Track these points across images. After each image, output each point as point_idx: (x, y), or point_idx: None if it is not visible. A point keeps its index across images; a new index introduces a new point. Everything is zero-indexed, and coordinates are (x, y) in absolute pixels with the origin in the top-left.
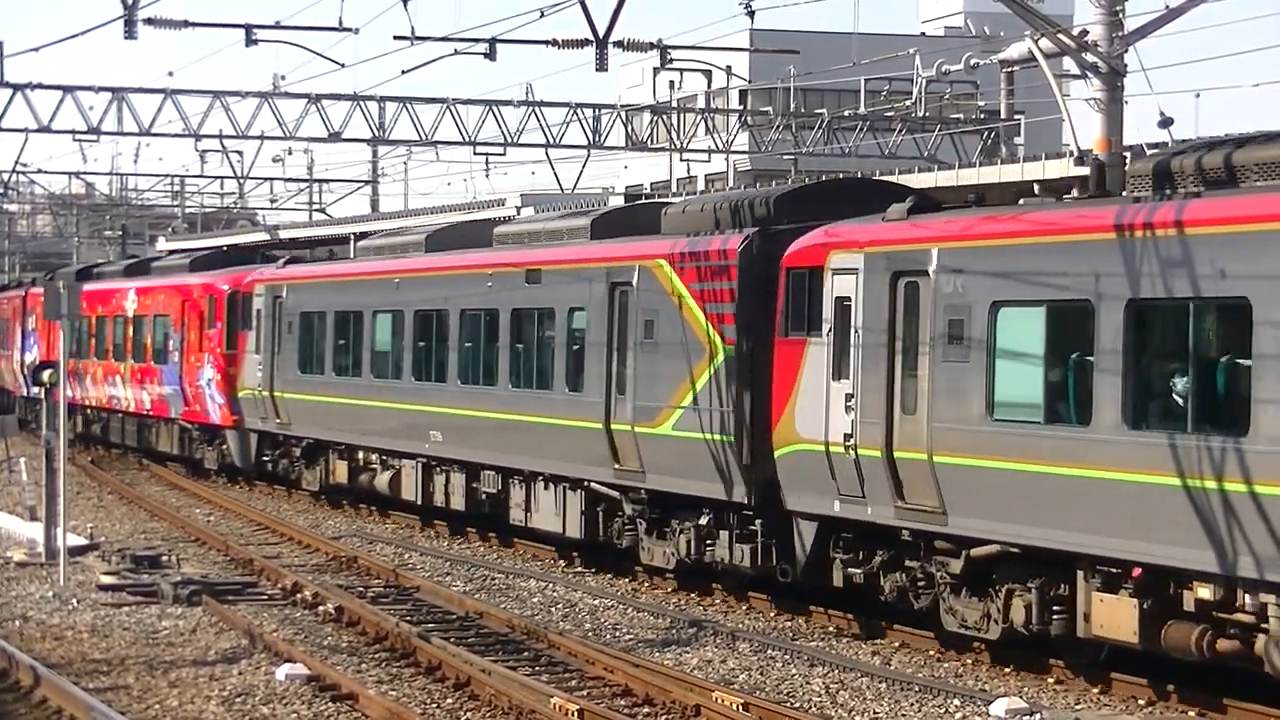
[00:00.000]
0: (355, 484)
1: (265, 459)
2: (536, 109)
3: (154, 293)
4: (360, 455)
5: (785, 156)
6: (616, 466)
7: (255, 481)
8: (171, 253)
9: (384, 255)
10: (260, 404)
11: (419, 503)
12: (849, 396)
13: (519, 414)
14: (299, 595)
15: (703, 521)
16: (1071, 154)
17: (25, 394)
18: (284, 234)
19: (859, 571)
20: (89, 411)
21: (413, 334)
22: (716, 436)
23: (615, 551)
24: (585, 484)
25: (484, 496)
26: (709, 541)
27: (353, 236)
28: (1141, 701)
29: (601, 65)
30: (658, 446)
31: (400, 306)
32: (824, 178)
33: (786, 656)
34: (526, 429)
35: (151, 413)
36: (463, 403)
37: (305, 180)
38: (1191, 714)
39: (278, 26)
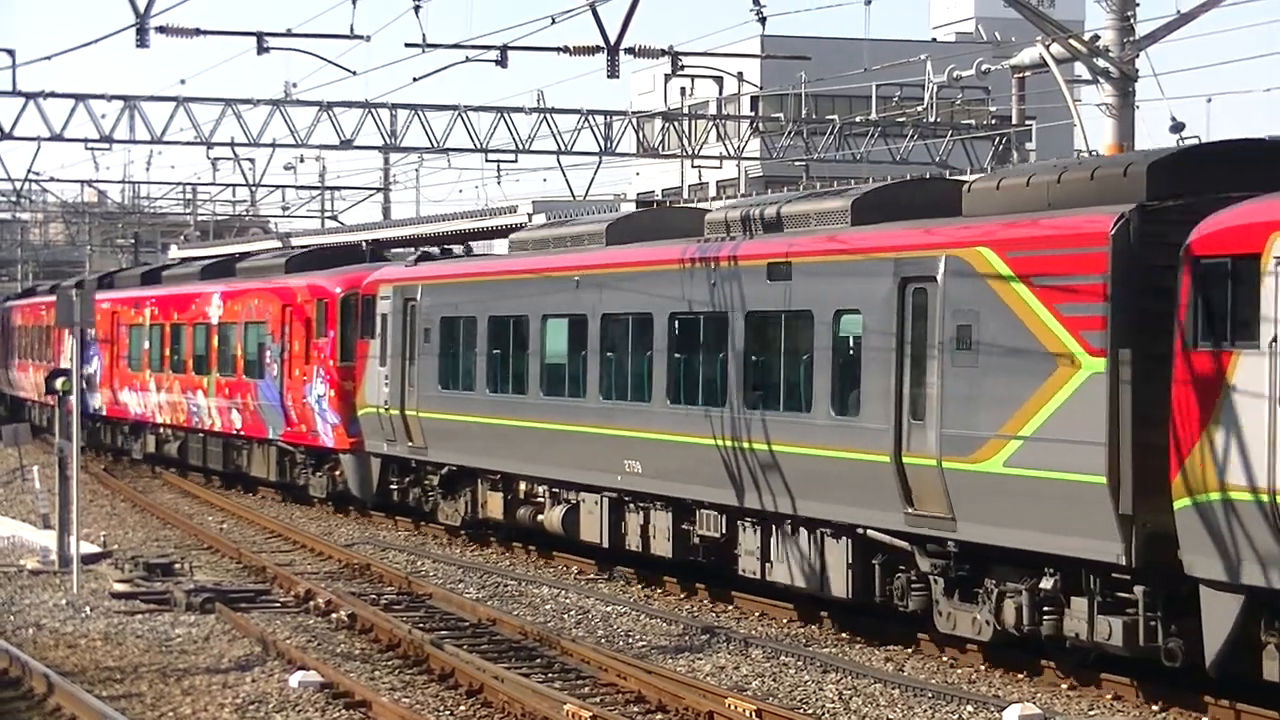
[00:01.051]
0: (512, 519)
1: (391, 487)
2: (548, 116)
3: (244, 297)
4: (521, 486)
5: (797, 162)
6: (910, 511)
7: (372, 512)
8: (246, 254)
9: (550, 249)
10: (387, 424)
11: (604, 545)
12: None
13: (754, 442)
14: (312, 602)
15: (1046, 585)
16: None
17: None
18: (298, 240)
19: None
20: (162, 430)
21: (599, 343)
22: (1079, 476)
23: (890, 613)
24: (857, 531)
25: (698, 541)
26: (1049, 609)
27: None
28: (1155, 708)
29: (613, 72)
30: (978, 486)
31: (581, 310)
32: (835, 184)
33: (799, 663)
34: (767, 461)
35: (242, 432)
36: (671, 426)
37: (317, 188)
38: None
39: (289, 34)
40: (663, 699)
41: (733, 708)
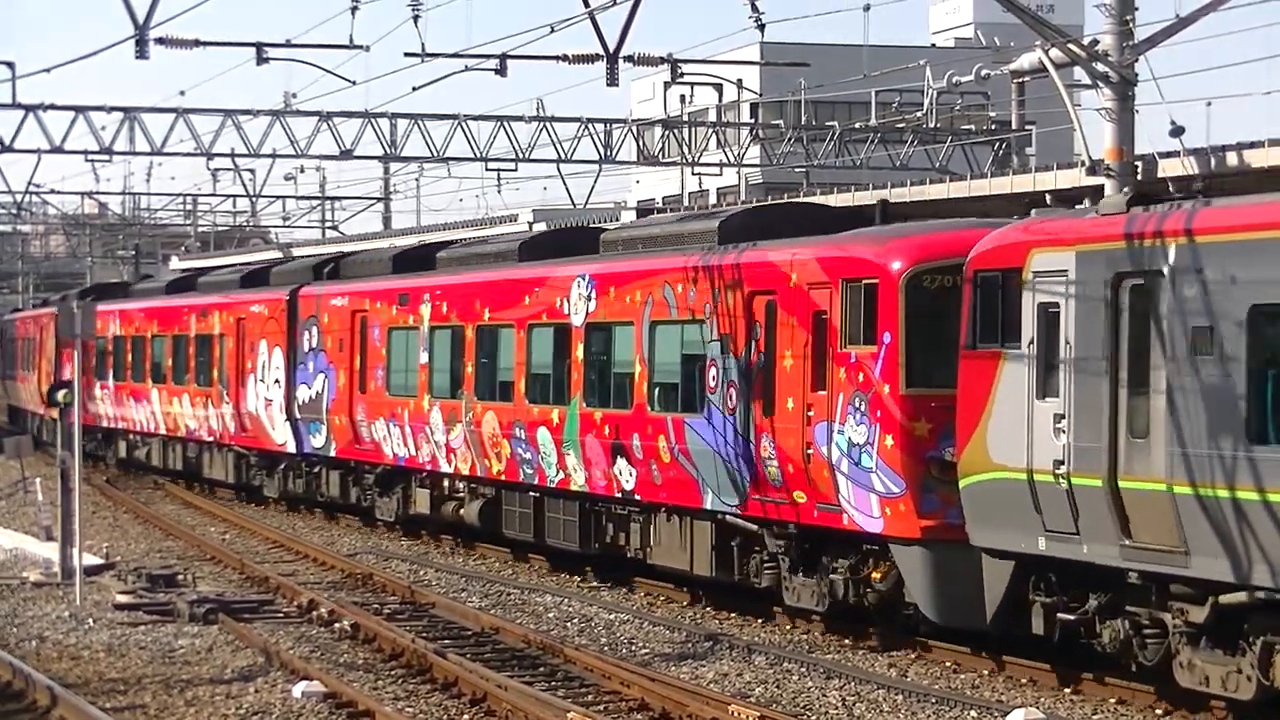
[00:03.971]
0: None
1: (1036, 610)
2: (548, 124)
3: (641, 282)
4: None
5: (797, 169)
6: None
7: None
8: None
9: None
10: (1056, 501)
11: None
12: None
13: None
14: (315, 613)
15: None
16: (1083, 164)
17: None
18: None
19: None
20: (456, 484)
21: None
22: None
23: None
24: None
25: None
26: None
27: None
28: (1159, 712)
29: (612, 80)
30: None
31: None
32: (835, 190)
33: (803, 669)
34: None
35: (636, 494)
36: None
37: (317, 198)
38: None
39: (289, 45)
40: (666, 706)
41: (736, 714)
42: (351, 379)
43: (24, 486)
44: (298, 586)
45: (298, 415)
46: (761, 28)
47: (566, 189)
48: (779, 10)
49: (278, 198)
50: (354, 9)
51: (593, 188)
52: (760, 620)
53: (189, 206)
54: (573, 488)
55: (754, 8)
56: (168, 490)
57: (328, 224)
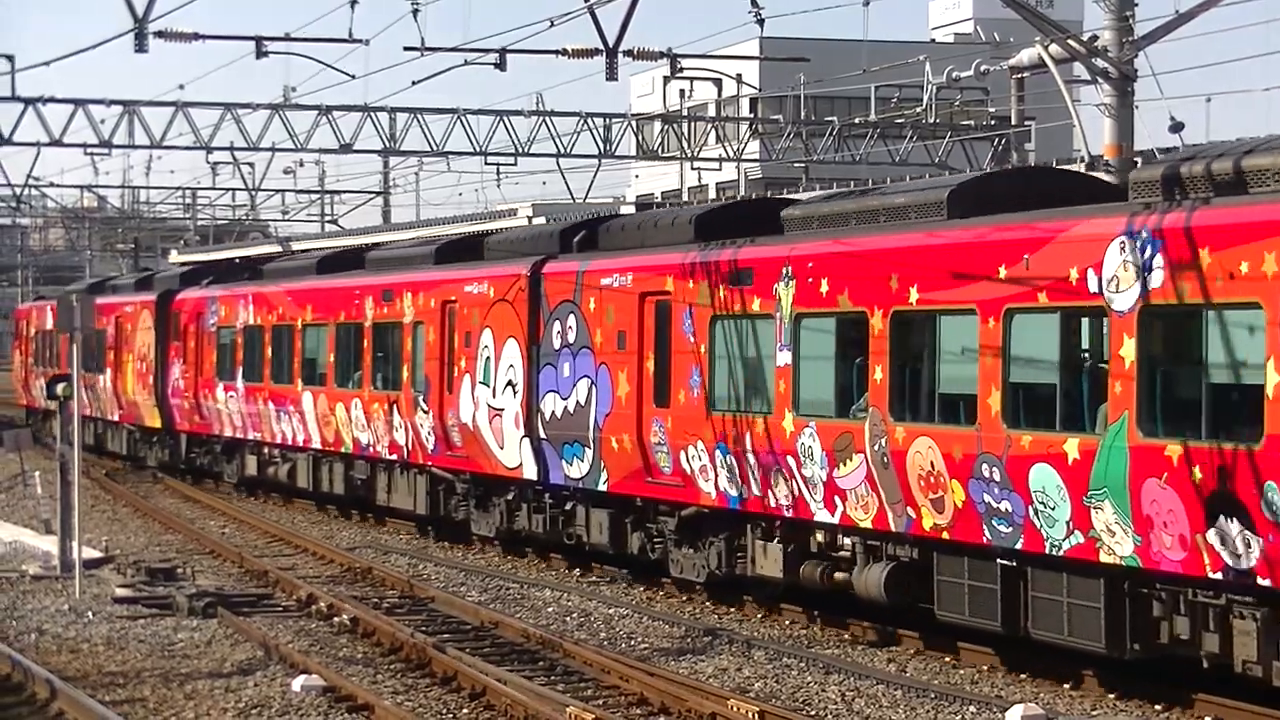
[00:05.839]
0: None
1: None
2: (547, 119)
3: None
4: None
5: (796, 164)
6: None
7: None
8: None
9: None
10: None
11: None
12: None
13: None
14: (314, 606)
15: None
16: (1083, 159)
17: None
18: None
19: None
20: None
21: None
22: None
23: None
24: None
25: None
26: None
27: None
28: (1159, 707)
29: (612, 74)
30: None
31: None
32: (835, 185)
33: (802, 664)
34: None
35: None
36: None
37: (317, 192)
38: (1208, 719)
39: (288, 39)
40: (665, 701)
41: (735, 709)
42: (641, 386)
43: (23, 480)
44: (297, 580)
45: (543, 433)
46: (761, 23)
47: (566, 183)
48: (779, 5)
49: (277, 191)
50: (353, 3)
51: (592, 182)
52: (760, 615)
53: (188, 200)
54: (1103, 560)
55: (754, 3)
56: (167, 484)
57: (327, 218)
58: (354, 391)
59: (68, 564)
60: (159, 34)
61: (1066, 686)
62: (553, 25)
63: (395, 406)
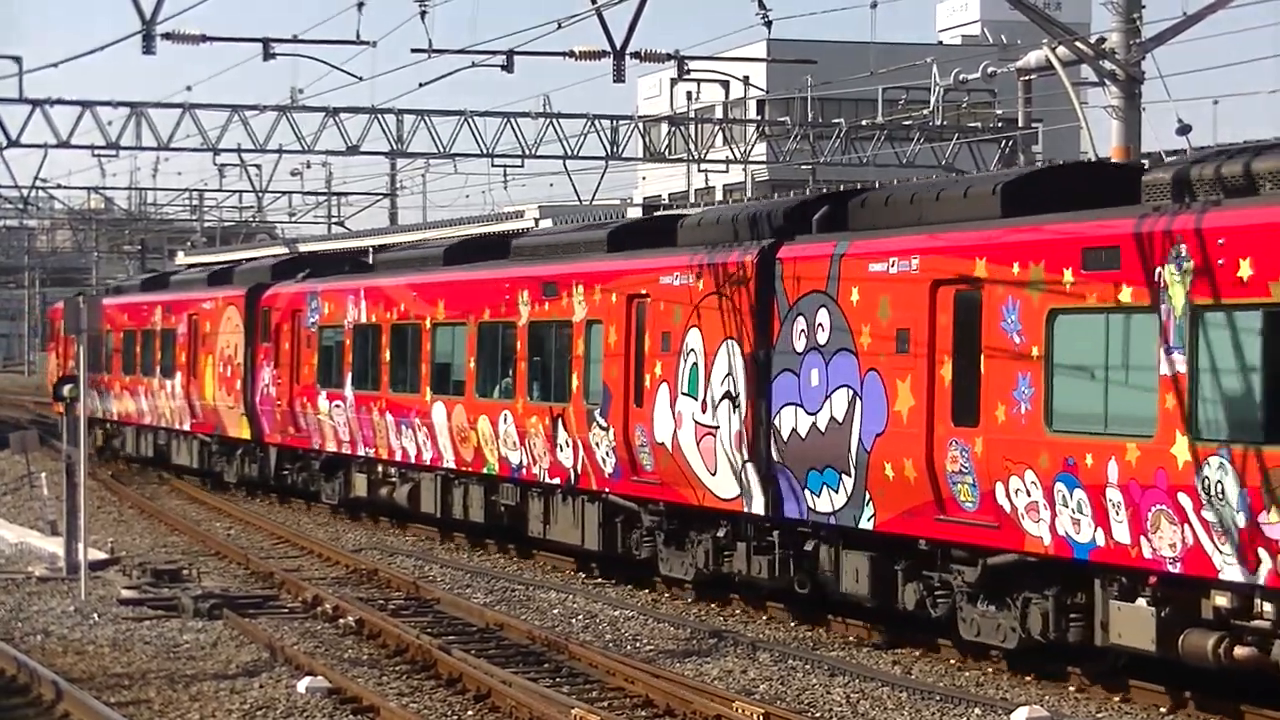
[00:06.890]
0: None
1: None
2: (554, 121)
3: None
4: None
5: (803, 166)
6: None
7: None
8: None
9: None
10: None
11: None
12: None
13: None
14: (319, 608)
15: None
16: (1090, 162)
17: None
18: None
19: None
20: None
21: None
22: None
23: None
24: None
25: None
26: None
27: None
28: (1163, 710)
29: (619, 76)
30: None
31: None
32: (842, 187)
33: (807, 666)
34: None
35: None
36: None
37: (324, 194)
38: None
39: (295, 40)
40: (670, 703)
41: (740, 711)
42: (933, 399)
43: (30, 481)
44: (302, 582)
45: (776, 457)
46: (768, 25)
47: (573, 185)
48: (786, 7)
49: (284, 193)
50: (360, 5)
51: (599, 184)
52: (765, 617)
53: (195, 202)
54: None
55: (761, 5)
56: (173, 485)
57: (334, 219)
58: (504, 403)
59: (73, 565)
60: (166, 36)
61: (1072, 689)
62: (560, 27)
63: (560, 421)
